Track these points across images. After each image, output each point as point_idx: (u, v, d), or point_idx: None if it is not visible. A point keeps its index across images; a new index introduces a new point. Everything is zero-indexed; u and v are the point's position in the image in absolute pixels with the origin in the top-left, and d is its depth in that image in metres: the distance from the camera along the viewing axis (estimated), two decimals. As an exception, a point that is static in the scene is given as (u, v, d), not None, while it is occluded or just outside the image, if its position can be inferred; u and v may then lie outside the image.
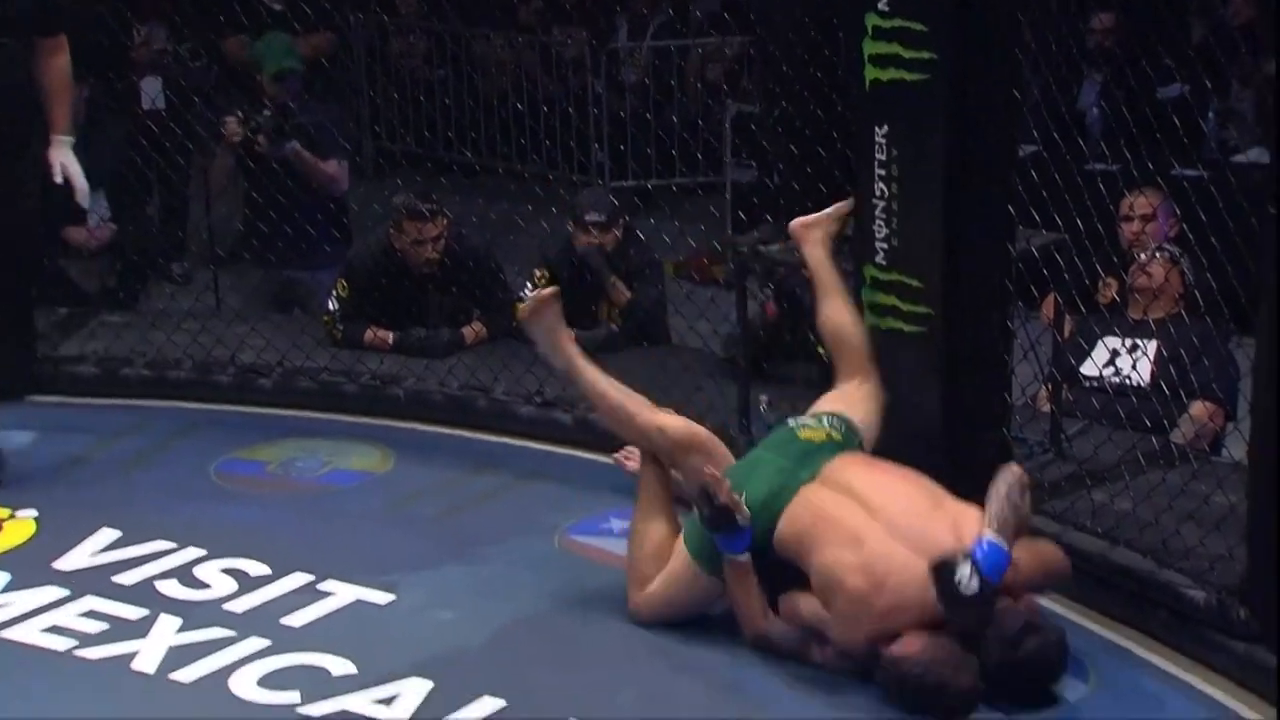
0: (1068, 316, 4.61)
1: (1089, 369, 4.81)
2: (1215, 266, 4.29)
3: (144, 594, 4.14)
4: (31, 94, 5.15)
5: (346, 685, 3.69)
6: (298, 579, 4.19)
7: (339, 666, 3.77)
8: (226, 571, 4.23)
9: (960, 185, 3.97)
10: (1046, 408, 4.56)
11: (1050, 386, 4.51)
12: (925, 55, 3.92)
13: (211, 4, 6.98)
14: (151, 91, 6.99)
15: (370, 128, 9.20)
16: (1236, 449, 4.08)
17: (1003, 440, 4.05)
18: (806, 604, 3.66)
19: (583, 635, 3.94)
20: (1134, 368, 4.69)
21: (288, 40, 6.81)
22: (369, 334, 5.65)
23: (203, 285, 6.34)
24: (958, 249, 4.00)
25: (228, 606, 4.07)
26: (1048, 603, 3.91)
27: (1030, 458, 4.33)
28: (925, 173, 3.99)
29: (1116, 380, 4.69)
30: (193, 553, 4.33)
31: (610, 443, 5.02)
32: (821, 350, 4.97)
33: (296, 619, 4.00)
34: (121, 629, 3.95)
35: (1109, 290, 5.06)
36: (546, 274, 5.63)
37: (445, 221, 5.63)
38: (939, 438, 4.06)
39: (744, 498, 3.71)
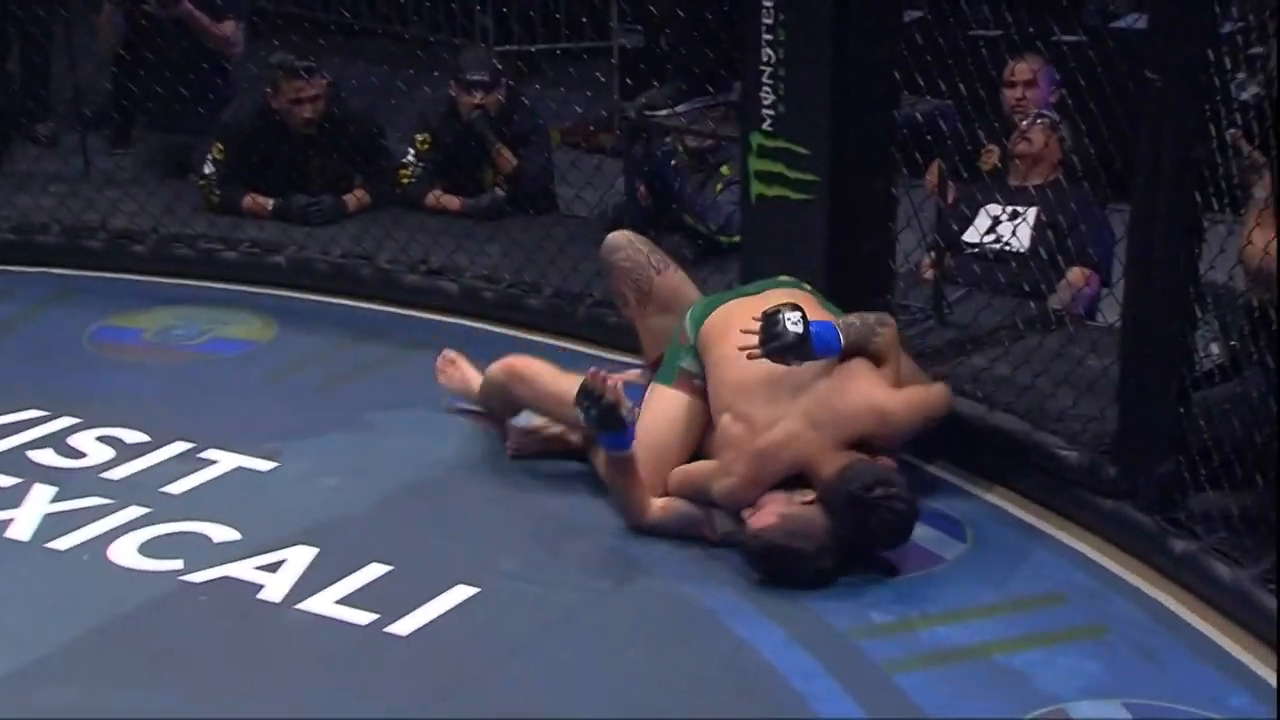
0: (951, 184, 4.65)
1: (971, 236, 4.86)
2: (1093, 133, 4.34)
3: (15, 462, 4.07)
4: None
5: (230, 552, 3.67)
6: (177, 447, 4.14)
7: (222, 534, 3.75)
8: (103, 440, 4.17)
9: (846, 51, 3.97)
10: (929, 274, 4.60)
11: (934, 254, 4.55)
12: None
13: None
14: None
15: (246, -13, 8.92)
16: (1111, 313, 4.16)
17: (887, 306, 4.09)
18: (697, 467, 3.73)
19: (469, 502, 3.95)
20: (1014, 234, 4.74)
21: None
22: (247, 200, 5.53)
23: (69, 148, 6.13)
24: (844, 116, 4.01)
25: (105, 475, 4.01)
26: (933, 469, 4.01)
27: (913, 324, 4.39)
28: (812, 39, 3.97)
29: (997, 247, 4.74)
30: (67, 421, 4.26)
31: (493, 313, 5.02)
32: (699, 227, 4.99)
33: (177, 487, 3.96)
34: (-7, 498, 3.88)
35: (990, 157, 5.10)
36: (429, 139, 5.54)
37: (324, 82, 5.51)
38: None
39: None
